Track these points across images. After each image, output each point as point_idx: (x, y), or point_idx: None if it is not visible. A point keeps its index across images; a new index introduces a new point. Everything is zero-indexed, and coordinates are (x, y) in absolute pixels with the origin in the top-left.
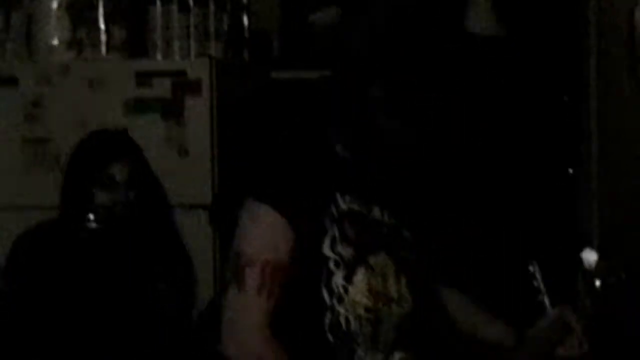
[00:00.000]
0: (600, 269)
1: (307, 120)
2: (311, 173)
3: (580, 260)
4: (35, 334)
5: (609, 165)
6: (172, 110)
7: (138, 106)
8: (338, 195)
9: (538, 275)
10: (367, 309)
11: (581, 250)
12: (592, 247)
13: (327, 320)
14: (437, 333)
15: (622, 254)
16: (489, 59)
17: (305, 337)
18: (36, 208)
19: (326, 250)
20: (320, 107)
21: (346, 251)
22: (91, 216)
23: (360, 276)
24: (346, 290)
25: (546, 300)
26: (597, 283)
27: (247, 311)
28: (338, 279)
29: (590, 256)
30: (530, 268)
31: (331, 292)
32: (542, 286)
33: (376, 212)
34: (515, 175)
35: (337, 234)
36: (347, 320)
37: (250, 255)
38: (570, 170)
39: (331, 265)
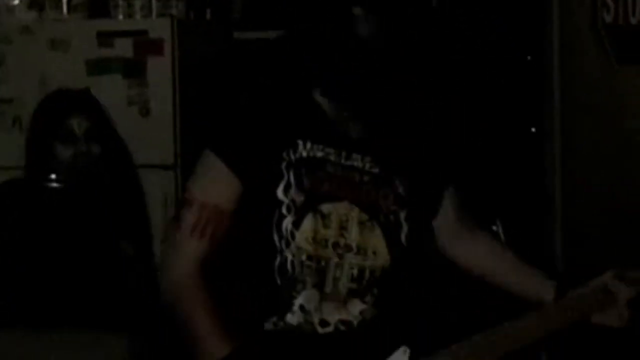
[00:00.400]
0: None
1: (277, 71)
2: (269, 120)
3: None
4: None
5: (571, 124)
6: (134, 70)
7: (100, 66)
8: (300, 142)
9: (501, 232)
10: (309, 257)
11: (546, 208)
12: (554, 206)
13: (276, 263)
14: (418, 292)
15: (584, 211)
16: (453, 17)
17: (257, 278)
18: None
19: (280, 194)
20: (295, 56)
21: (298, 197)
22: (53, 175)
23: (307, 223)
24: (293, 236)
25: None
26: None
27: (177, 251)
28: (287, 224)
29: None
30: (494, 227)
31: (280, 236)
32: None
33: (356, 160)
34: (478, 134)
35: (292, 179)
36: (292, 264)
37: (190, 198)
38: (533, 129)
39: (283, 209)
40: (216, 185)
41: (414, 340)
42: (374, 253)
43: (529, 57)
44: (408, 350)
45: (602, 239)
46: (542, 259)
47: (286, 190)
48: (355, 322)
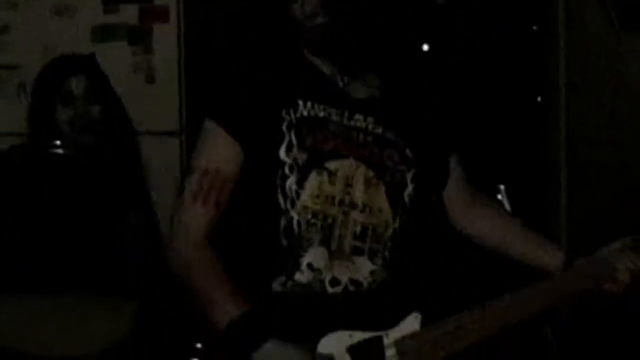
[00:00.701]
0: None
1: (270, 31)
2: (265, 82)
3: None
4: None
5: (576, 92)
6: (139, 37)
7: (105, 33)
8: (300, 102)
9: (506, 201)
10: (314, 214)
11: (548, 177)
12: (560, 174)
13: (281, 224)
14: (423, 250)
15: (588, 180)
16: None
17: (261, 240)
18: (3, 134)
19: (282, 155)
20: (284, 14)
21: (301, 156)
22: (57, 142)
23: (312, 180)
24: (298, 195)
25: None
26: None
27: (183, 219)
28: (291, 183)
29: None
30: (498, 196)
31: (285, 196)
32: (510, 212)
33: (358, 120)
34: (484, 103)
35: (294, 139)
36: (299, 224)
37: (192, 165)
38: (539, 98)
39: (286, 169)
40: (217, 150)
41: (426, 307)
42: (379, 210)
43: (534, 27)
44: (420, 316)
45: (606, 207)
46: (547, 228)
47: (288, 150)
48: (365, 283)
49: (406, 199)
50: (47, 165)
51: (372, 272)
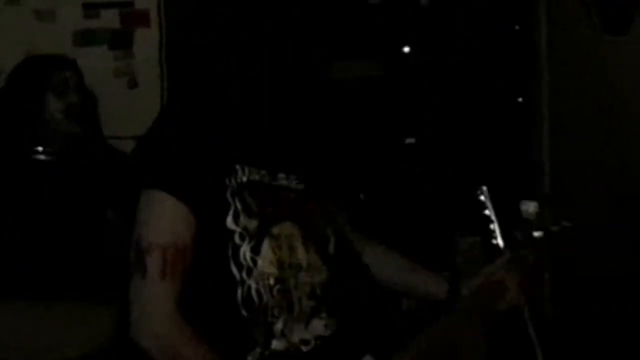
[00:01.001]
0: (541, 220)
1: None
2: (206, 149)
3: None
4: None
5: (558, 93)
6: (120, 41)
7: (86, 37)
8: (238, 167)
9: (489, 204)
10: (276, 279)
11: (532, 179)
12: (543, 175)
13: (239, 296)
14: (363, 297)
15: (572, 181)
16: None
17: (219, 315)
18: None
19: (230, 224)
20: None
21: (250, 223)
22: (40, 148)
23: (266, 246)
24: (255, 262)
25: (497, 229)
26: (536, 234)
27: (154, 300)
28: (245, 252)
29: (528, 207)
30: (481, 197)
31: (240, 266)
32: (493, 215)
33: (281, 179)
34: (466, 104)
35: (239, 206)
36: (258, 292)
37: (150, 241)
38: (520, 99)
39: (236, 238)
40: (172, 224)
41: (376, 348)
42: (316, 268)
43: (516, 27)
44: (372, 358)
45: (590, 205)
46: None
47: (236, 219)
48: (326, 338)
49: (331, 251)
50: (29, 168)
51: (326, 326)
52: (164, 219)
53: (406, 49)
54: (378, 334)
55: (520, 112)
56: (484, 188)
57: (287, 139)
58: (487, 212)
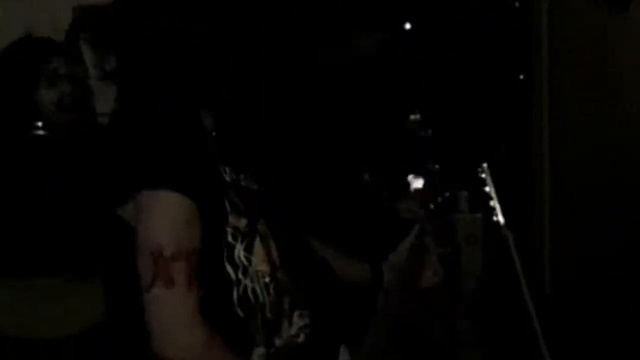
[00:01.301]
0: (423, 195)
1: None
2: (204, 148)
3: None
4: None
5: (559, 71)
6: None
7: None
8: (221, 168)
9: (489, 180)
10: (270, 278)
11: (531, 155)
12: (542, 150)
13: (235, 296)
14: (329, 288)
15: (571, 156)
16: None
17: (217, 317)
18: None
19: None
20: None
21: (240, 222)
22: (39, 123)
23: (257, 245)
24: (249, 261)
25: (497, 206)
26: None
27: (182, 310)
28: (239, 251)
29: (415, 182)
30: (482, 174)
31: (235, 266)
32: (493, 191)
33: (242, 179)
34: (466, 82)
35: (227, 206)
36: (254, 291)
37: (173, 249)
38: (521, 76)
39: (229, 238)
40: (191, 227)
41: (349, 336)
42: (280, 265)
43: (517, 3)
44: (346, 348)
45: (589, 182)
46: (530, 205)
47: (227, 218)
48: (309, 327)
49: (293, 248)
50: (26, 147)
51: (303, 319)
52: (184, 223)
53: (407, 26)
54: (347, 322)
55: (521, 90)
56: (485, 165)
57: (246, 138)
58: (487, 189)
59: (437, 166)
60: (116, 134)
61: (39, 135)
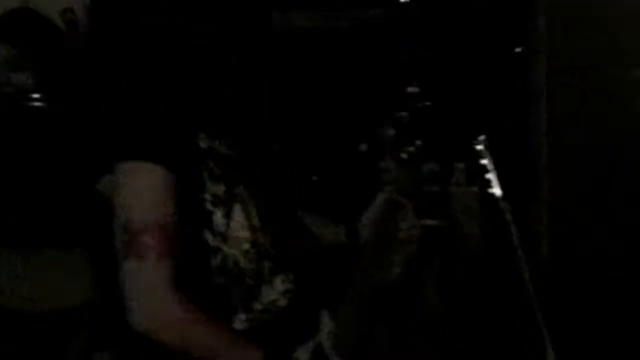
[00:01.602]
0: (394, 145)
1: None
2: (179, 115)
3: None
4: None
5: (556, 42)
6: None
7: None
8: (197, 135)
9: (486, 153)
10: (251, 243)
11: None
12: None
13: (214, 263)
14: (309, 252)
15: (569, 129)
16: None
17: (196, 285)
18: None
19: (201, 190)
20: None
21: (218, 188)
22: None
23: (237, 210)
24: (228, 228)
25: (494, 178)
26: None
27: (155, 281)
28: (218, 218)
29: (386, 132)
30: (479, 146)
31: (214, 233)
32: (490, 164)
33: (219, 145)
34: (464, 54)
35: (205, 172)
36: (235, 258)
37: (142, 221)
38: (518, 49)
39: (208, 205)
40: (164, 196)
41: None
42: (265, 230)
43: None
44: (326, 312)
45: (587, 154)
46: (527, 176)
47: (204, 185)
48: (291, 292)
49: (272, 212)
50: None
51: (286, 283)
52: (156, 192)
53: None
54: (328, 286)
55: (519, 62)
56: (482, 137)
57: (223, 105)
58: (484, 161)
59: (404, 114)
60: (93, 110)
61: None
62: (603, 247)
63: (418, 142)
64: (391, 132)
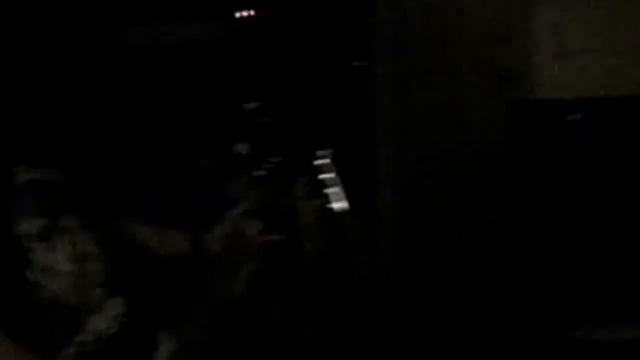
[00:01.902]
0: (245, 162)
1: None
2: None
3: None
4: None
5: (397, 54)
6: None
7: None
8: (16, 167)
9: (331, 167)
10: (76, 275)
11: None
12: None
13: (36, 300)
14: (144, 274)
15: (413, 142)
16: None
17: (20, 323)
18: None
19: (18, 227)
20: None
21: (35, 222)
22: None
23: (62, 243)
24: (52, 262)
25: (340, 191)
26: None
27: None
28: (39, 253)
29: (238, 148)
30: (325, 160)
31: (35, 269)
32: (336, 178)
33: (44, 174)
34: (302, 70)
35: (22, 207)
36: (59, 292)
37: None
38: (357, 63)
39: (26, 242)
40: None
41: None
42: (98, 256)
43: None
44: (166, 332)
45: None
46: (370, 188)
47: (22, 221)
48: (124, 316)
49: (106, 238)
50: None
51: (118, 308)
52: None
53: (244, 13)
54: (167, 306)
55: (359, 75)
56: (328, 151)
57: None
58: (328, 175)
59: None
60: None
61: None
62: (444, 255)
63: (270, 159)
64: (243, 148)
